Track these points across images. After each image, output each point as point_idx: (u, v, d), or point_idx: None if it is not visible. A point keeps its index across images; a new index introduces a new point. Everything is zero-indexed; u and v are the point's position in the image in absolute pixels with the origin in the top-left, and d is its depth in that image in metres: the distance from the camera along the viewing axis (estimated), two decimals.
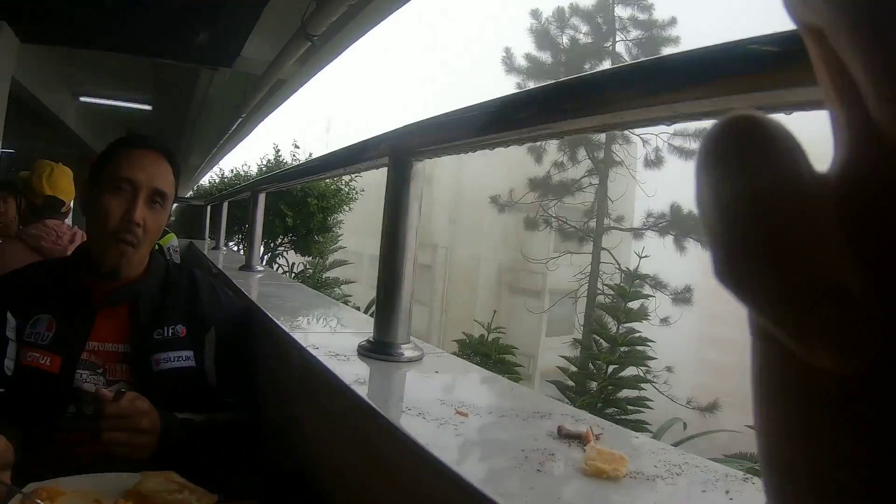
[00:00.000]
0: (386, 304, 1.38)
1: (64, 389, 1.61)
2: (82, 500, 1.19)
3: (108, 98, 11.59)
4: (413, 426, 0.96)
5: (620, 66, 0.81)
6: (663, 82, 0.74)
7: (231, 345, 1.81)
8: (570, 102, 0.93)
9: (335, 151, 1.91)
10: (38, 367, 1.62)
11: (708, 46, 0.68)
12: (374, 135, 1.52)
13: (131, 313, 1.73)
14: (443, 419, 1.00)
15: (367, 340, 1.42)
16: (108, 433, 1.44)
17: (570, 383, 10.26)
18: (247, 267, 3.20)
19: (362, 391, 1.17)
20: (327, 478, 1.32)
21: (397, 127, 1.40)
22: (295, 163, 9.09)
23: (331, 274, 10.77)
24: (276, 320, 1.75)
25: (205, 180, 16.65)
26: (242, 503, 1.30)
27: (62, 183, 3.09)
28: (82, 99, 11.75)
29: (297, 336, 1.56)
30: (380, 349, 1.38)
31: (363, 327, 1.78)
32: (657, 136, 18.49)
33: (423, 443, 0.87)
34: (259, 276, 3.07)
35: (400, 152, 1.35)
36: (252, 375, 1.86)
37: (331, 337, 1.60)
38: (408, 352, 1.38)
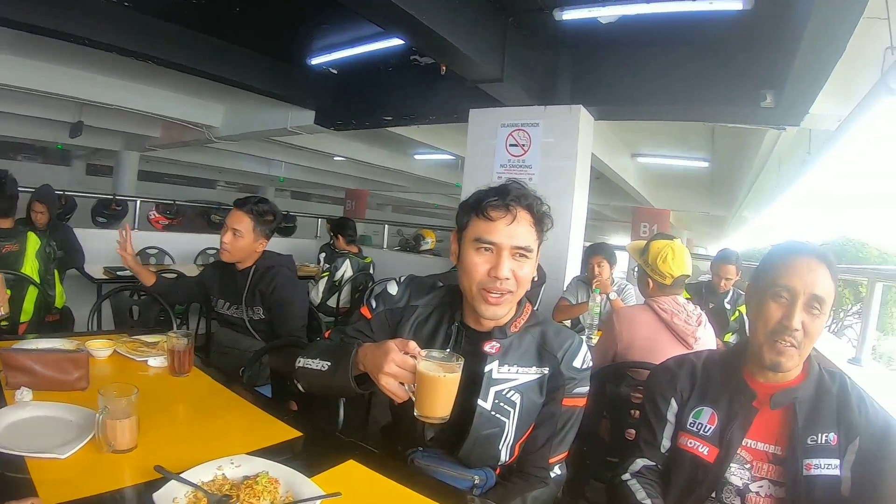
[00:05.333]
0: None
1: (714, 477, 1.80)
2: None
3: (665, 157, 12.05)
4: None
5: None
6: None
7: (872, 457, 1.76)
8: None
9: None
10: (695, 454, 1.83)
11: None
12: None
13: (787, 417, 1.79)
14: None
15: None
16: None
17: None
18: (855, 361, 3.08)
19: None
20: None
21: None
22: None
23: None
24: None
25: (762, 241, 16.35)
26: None
27: (685, 259, 3.24)
28: (640, 159, 12.38)
29: None
30: None
31: None
32: None
33: None
34: (868, 370, 2.92)
35: None
36: (885, 493, 1.82)
37: None
38: None
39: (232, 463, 1.55)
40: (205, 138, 12.51)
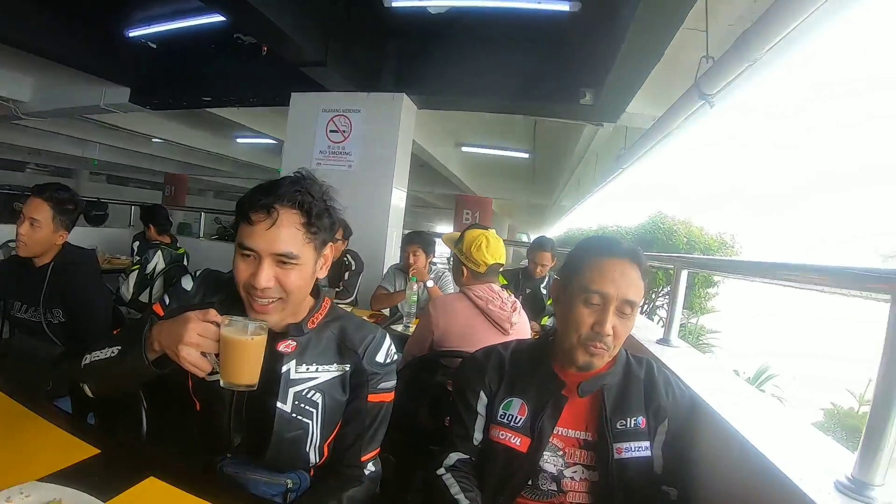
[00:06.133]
0: (871, 444, 1.32)
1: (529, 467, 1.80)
2: None
3: (489, 147, 12.29)
4: None
5: None
6: None
7: (680, 436, 1.83)
8: None
9: (812, 266, 1.82)
10: (508, 445, 1.82)
11: None
12: (873, 266, 1.45)
13: (596, 403, 1.82)
14: None
15: (846, 477, 1.36)
16: None
17: None
18: (664, 341, 3.18)
19: None
20: None
21: None
22: (677, 219, 9.06)
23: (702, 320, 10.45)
24: (739, 431, 1.71)
25: (577, 221, 17.03)
26: None
27: (500, 247, 3.26)
28: (464, 149, 12.57)
29: (774, 459, 1.52)
30: (858, 489, 1.33)
31: (822, 444, 1.71)
32: None
33: None
34: (676, 351, 3.03)
35: None
36: (694, 469, 1.88)
37: (797, 461, 1.53)
38: (882, 495, 1.31)
39: (21, 493, 1.34)
40: (11, 114, 11.40)
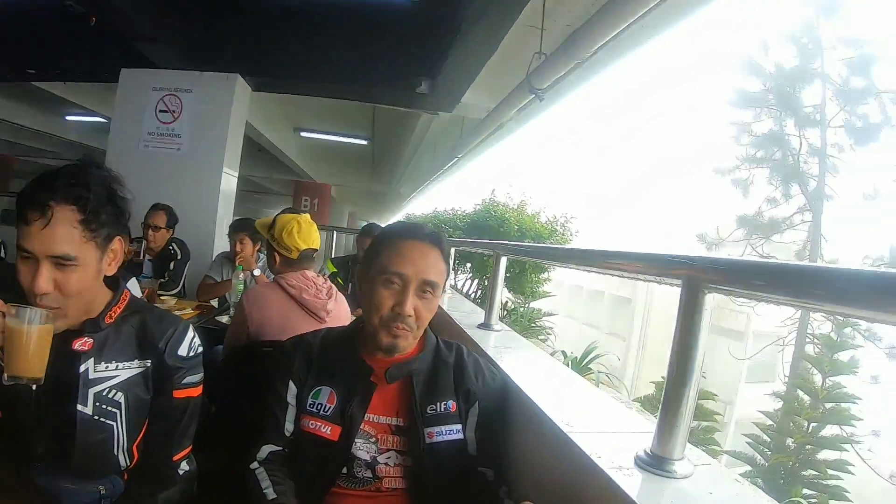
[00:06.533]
0: (668, 420, 1.41)
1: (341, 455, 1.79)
2: None
3: (328, 133, 12.14)
4: None
5: None
6: None
7: (491, 418, 1.88)
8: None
9: (617, 252, 1.91)
10: (319, 434, 1.80)
11: None
12: (668, 253, 1.53)
13: (405, 389, 1.84)
14: None
15: (645, 452, 1.46)
16: None
17: (766, 438, 9.77)
18: (485, 325, 3.25)
19: None
20: None
21: (697, 255, 1.44)
22: (509, 202, 9.25)
23: (535, 304, 10.76)
24: (546, 413, 1.77)
25: (417, 209, 17.13)
26: None
27: (312, 232, 3.19)
28: (303, 134, 12.40)
29: (575, 438, 1.58)
30: (657, 464, 1.42)
31: (628, 421, 1.82)
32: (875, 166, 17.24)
33: None
34: (497, 335, 3.12)
35: (694, 281, 1.39)
36: (508, 450, 1.94)
37: (601, 439, 1.61)
38: (682, 468, 1.41)
39: None
40: None
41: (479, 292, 9.49)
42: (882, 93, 17.10)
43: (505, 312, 9.32)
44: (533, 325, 9.80)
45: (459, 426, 1.81)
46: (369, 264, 1.84)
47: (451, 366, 1.90)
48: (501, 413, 1.94)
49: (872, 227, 17.57)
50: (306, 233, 3.17)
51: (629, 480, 1.36)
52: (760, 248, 18.26)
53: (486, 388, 1.90)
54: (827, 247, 17.34)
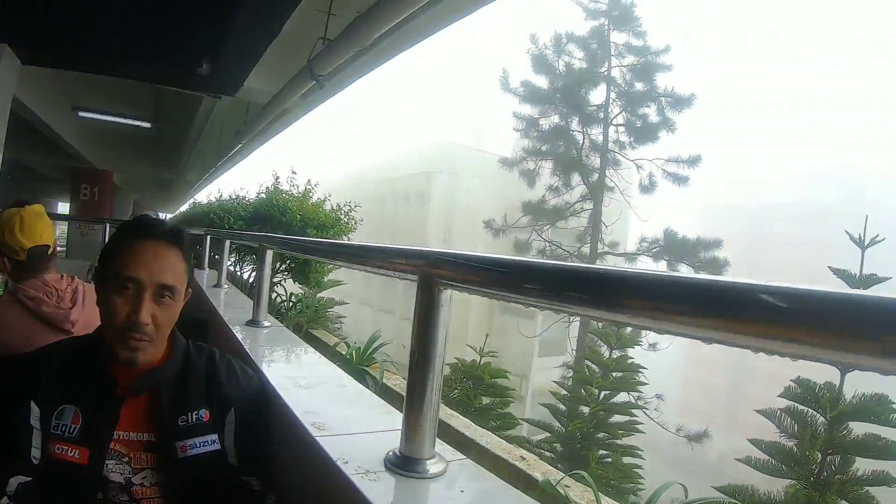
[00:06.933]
0: (413, 419, 1.39)
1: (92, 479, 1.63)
2: None
3: (109, 115, 11.43)
4: None
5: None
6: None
7: (251, 424, 1.79)
8: (576, 291, 1.01)
9: (362, 246, 1.88)
10: (67, 459, 1.62)
11: (722, 282, 0.73)
12: (408, 247, 1.51)
13: (153, 401, 1.71)
14: None
15: (394, 453, 1.43)
16: None
17: (562, 407, 10.31)
18: (253, 322, 3.14)
19: None
20: None
21: (430, 250, 1.40)
22: (293, 189, 9.08)
23: (325, 294, 10.66)
24: (298, 417, 1.71)
25: (202, 196, 16.54)
26: None
27: (39, 226, 2.71)
28: (82, 114, 11.58)
29: (323, 442, 1.54)
30: (406, 465, 1.39)
31: (382, 420, 1.79)
32: (651, 161, 18.88)
33: None
34: (266, 332, 3.03)
35: (428, 276, 1.36)
36: (272, 457, 1.86)
37: (352, 441, 1.57)
38: (433, 467, 1.39)
39: None
40: None
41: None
42: (661, 97, 19.39)
43: (291, 304, 9.15)
44: (319, 315, 9.68)
45: (215, 436, 1.71)
46: (103, 270, 1.69)
47: (203, 371, 1.79)
48: (261, 418, 1.86)
49: (648, 215, 19.21)
50: (30, 228, 2.68)
51: (375, 486, 1.33)
52: (546, 234, 19.55)
53: (242, 393, 1.81)
54: (606, 231, 19.01)
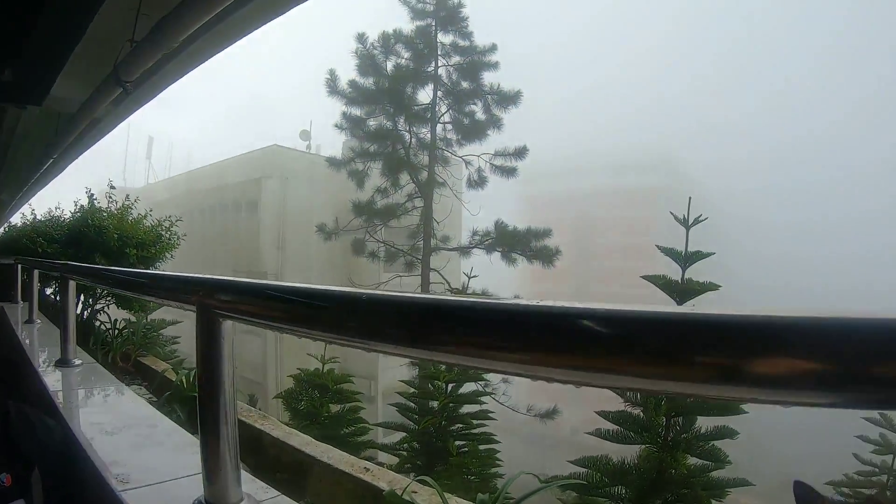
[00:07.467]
0: (212, 463, 1.27)
1: None
2: None
3: None
4: None
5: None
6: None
7: (60, 481, 1.63)
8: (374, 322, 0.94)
9: (139, 273, 1.76)
10: None
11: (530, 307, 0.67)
12: (184, 274, 1.39)
13: None
14: None
15: (198, 501, 1.31)
16: None
17: (412, 405, 10.33)
18: (63, 362, 2.86)
19: None
20: None
21: (208, 277, 1.29)
22: (113, 206, 8.61)
23: (156, 315, 10.11)
24: (101, 471, 1.56)
25: (17, 219, 15.50)
26: None
27: None
28: None
29: (127, 496, 1.41)
30: None
31: (192, 462, 1.64)
32: (479, 157, 19.32)
33: None
34: (78, 371, 2.78)
35: (206, 307, 1.25)
36: None
37: (158, 491, 1.44)
38: None
39: None
40: None
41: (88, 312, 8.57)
42: (487, 94, 19.96)
43: (117, 331, 8.57)
44: (149, 340, 9.13)
45: (21, 501, 1.52)
46: None
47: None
48: (69, 472, 1.68)
49: (479, 209, 19.76)
50: None
51: None
52: (380, 233, 19.76)
53: (44, 450, 1.63)
54: (439, 227, 19.37)
